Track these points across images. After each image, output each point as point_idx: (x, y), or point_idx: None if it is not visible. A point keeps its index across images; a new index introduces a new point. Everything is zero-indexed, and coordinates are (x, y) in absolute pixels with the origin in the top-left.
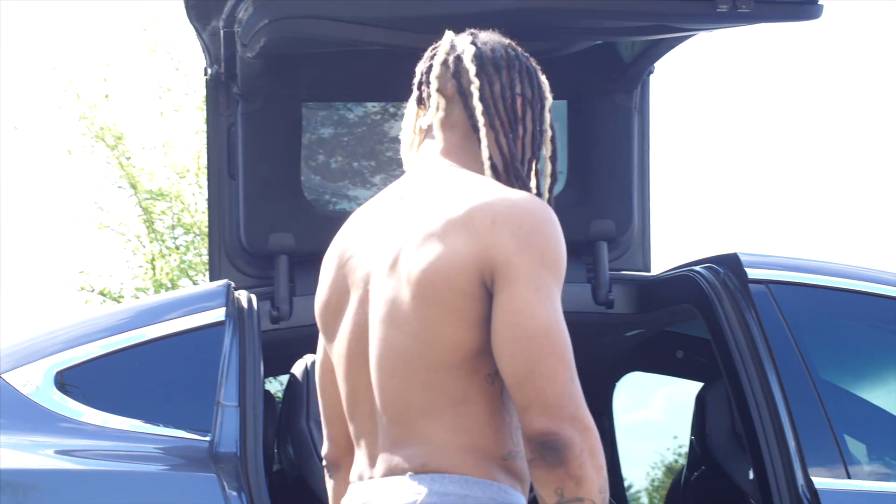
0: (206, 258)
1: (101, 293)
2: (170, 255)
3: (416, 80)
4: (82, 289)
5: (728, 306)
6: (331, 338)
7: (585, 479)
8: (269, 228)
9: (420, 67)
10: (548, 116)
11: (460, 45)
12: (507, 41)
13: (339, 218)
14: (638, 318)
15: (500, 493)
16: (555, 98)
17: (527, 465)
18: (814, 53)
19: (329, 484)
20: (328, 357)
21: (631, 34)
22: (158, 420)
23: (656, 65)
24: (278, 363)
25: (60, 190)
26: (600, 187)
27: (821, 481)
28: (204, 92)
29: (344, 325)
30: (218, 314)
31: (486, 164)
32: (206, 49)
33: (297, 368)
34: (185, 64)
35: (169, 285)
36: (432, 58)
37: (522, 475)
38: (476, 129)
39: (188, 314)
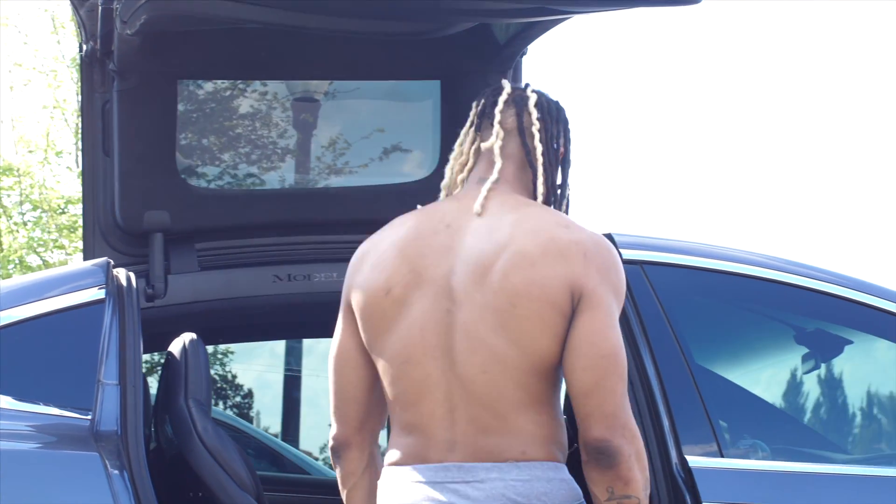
0: (54, 235)
1: None
2: (17, 230)
3: (476, 110)
4: None
5: None
6: (385, 326)
7: (632, 479)
8: (143, 206)
9: (481, 100)
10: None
11: (523, 90)
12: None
13: (214, 196)
14: None
15: (567, 474)
16: (429, 78)
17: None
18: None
19: (340, 463)
20: (356, 340)
21: (507, 16)
22: (39, 398)
23: (529, 47)
24: (153, 341)
25: None
26: None
27: (695, 459)
28: (78, 68)
29: (414, 317)
30: (98, 292)
31: (541, 195)
32: (83, 25)
33: (175, 347)
34: (34, 39)
35: (17, 262)
36: (495, 94)
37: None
38: (531, 163)
39: (68, 292)
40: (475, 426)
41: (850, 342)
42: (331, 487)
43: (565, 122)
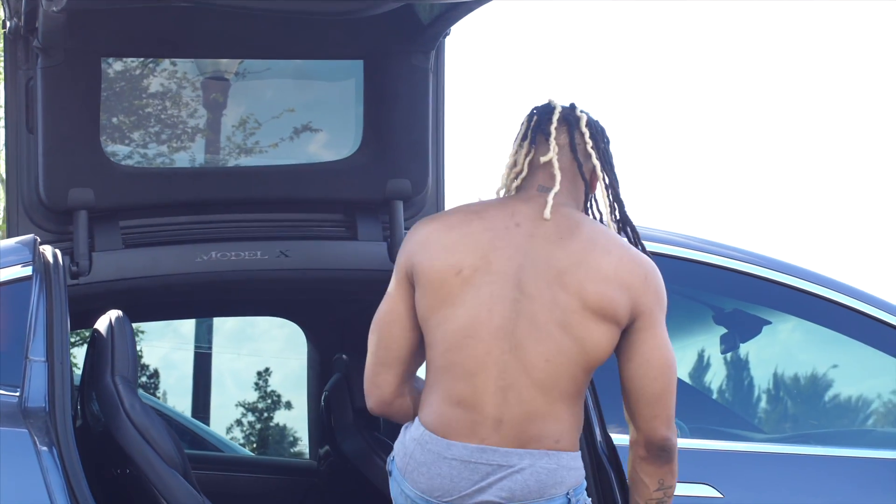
0: None
1: None
2: None
3: (530, 125)
4: None
5: None
6: (451, 301)
7: (676, 472)
8: (68, 183)
9: (534, 116)
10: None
11: (573, 110)
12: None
13: (138, 174)
14: None
15: (581, 462)
16: (351, 58)
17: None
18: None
19: (391, 417)
20: (407, 306)
21: None
22: None
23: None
24: (77, 318)
25: None
26: (396, 147)
27: (619, 437)
28: (1, 45)
29: (482, 298)
30: (24, 269)
31: (608, 209)
32: (7, 2)
33: (101, 324)
34: None
35: None
36: (549, 112)
37: None
38: (583, 176)
39: None
40: (525, 408)
41: (769, 322)
42: (248, 465)
43: (608, 141)
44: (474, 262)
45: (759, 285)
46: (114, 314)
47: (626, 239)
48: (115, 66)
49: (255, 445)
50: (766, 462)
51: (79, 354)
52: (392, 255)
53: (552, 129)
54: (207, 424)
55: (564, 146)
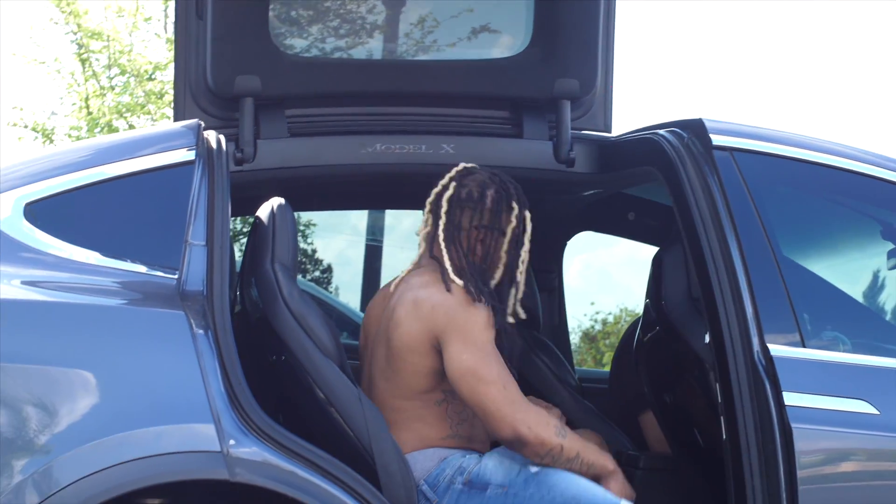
0: (141, 100)
1: (34, 129)
2: (105, 94)
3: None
4: (14, 124)
5: (691, 170)
6: None
7: (541, 451)
8: (235, 70)
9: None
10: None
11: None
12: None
13: (305, 63)
14: (597, 178)
15: None
16: None
17: None
18: None
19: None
20: None
21: None
22: (128, 256)
23: None
24: (240, 205)
25: None
26: (565, 46)
27: (776, 348)
28: None
29: None
30: (188, 153)
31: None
32: None
33: (263, 211)
34: None
35: (105, 126)
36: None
37: None
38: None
39: (159, 152)
40: None
41: None
42: None
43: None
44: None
45: None
46: (276, 202)
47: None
48: None
49: None
50: None
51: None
52: (558, 155)
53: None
54: None
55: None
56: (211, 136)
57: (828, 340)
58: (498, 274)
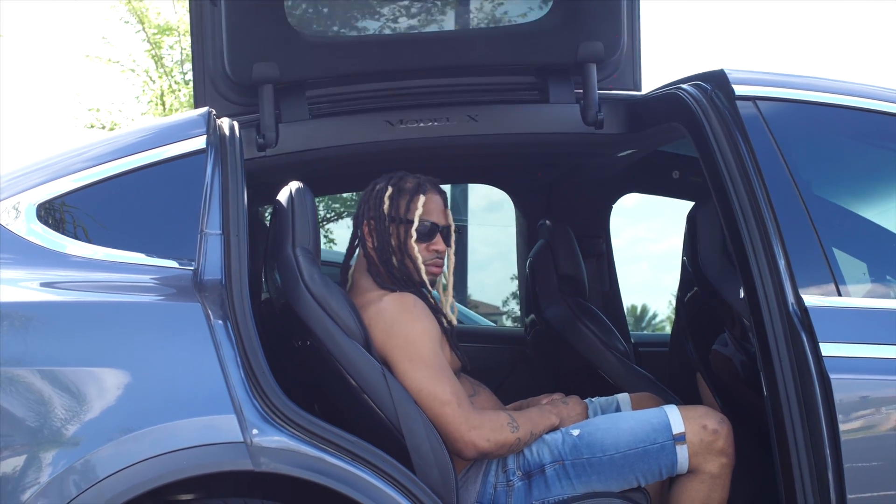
0: None
1: (112, 129)
2: (179, 89)
3: None
4: (92, 126)
5: (715, 122)
6: None
7: (504, 451)
8: (252, 58)
9: None
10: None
11: None
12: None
13: (323, 43)
14: (628, 138)
15: None
16: None
17: None
18: None
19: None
20: None
21: None
22: (142, 249)
23: None
24: (266, 191)
25: (67, 26)
26: (588, 9)
27: (811, 299)
28: None
29: None
30: (199, 142)
31: None
32: None
33: (283, 195)
34: None
35: None
36: None
37: None
38: None
39: (169, 143)
40: None
41: None
42: (456, 334)
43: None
44: None
45: None
46: (294, 185)
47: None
48: None
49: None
50: None
51: None
52: (586, 118)
53: None
54: None
55: None
56: (224, 123)
57: (865, 287)
58: (420, 263)
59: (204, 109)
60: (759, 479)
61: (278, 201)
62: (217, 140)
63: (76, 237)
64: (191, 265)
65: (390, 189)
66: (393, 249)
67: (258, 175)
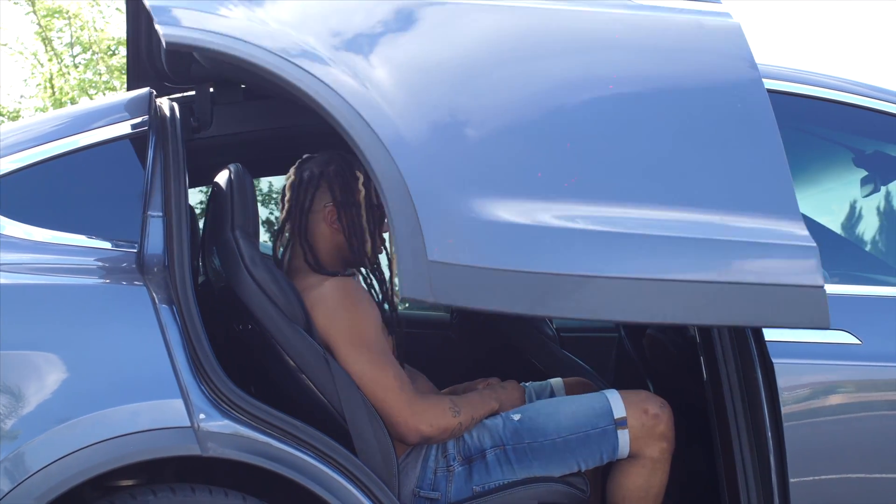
0: (105, 77)
1: (2, 114)
2: (68, 73)
3: None
4: None
5: None
6: None
7: (447, 436)
8: None
9: None
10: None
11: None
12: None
13: None
14: None
15: None
16: None
17: None
18: None
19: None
20: None
21: None
22: (84, 231)
23: None
24: (202, 174)
25: None
26: None
27: None
28: None
29: None
30: (140, 123)
31: None
32: None
33: (221, 178)
34: None
35: (69, 104)
36: None
37: None
38: None
39: (110, 123)
40: None
41: None
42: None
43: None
44: None
45: None
46: (233, 167)
47: None
48: None
49: None
50: None
51: None
52: None
53: None
54: None
55: None
56: (164, 103)
57: None
58: (368, 248)
59: (145, 90)
60: (691, 464)
61: (216, 183)
62: (158, 121)
63: (16, 218)
64: (133, 248)
65: (347, 171)
66: (369, 234)
67: (194, 157)
